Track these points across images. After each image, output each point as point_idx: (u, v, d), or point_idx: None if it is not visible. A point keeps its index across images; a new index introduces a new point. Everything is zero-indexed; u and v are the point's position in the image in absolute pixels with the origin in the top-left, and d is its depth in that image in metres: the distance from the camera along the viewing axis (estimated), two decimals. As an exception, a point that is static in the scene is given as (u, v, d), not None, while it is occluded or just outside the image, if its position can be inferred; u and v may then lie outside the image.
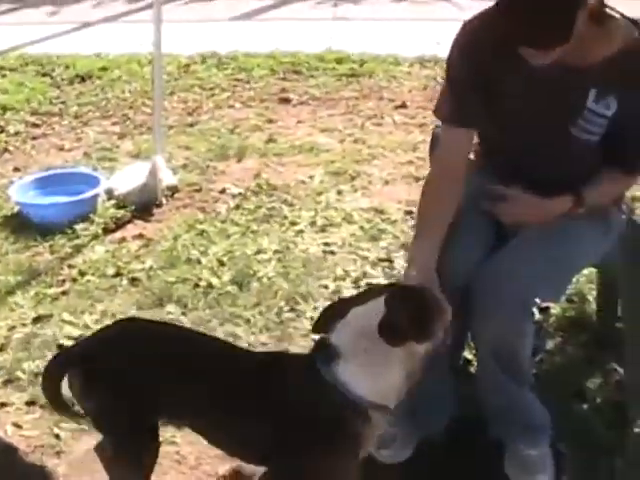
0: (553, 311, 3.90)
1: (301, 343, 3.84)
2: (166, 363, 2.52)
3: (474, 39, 2.79)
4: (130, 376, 2.52)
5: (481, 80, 2.78)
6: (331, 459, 2.41)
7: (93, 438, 3.27)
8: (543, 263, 2.81)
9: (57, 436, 3.36)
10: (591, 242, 2.95)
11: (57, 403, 2.80)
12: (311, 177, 5.56)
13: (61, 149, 6.27)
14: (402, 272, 4.11)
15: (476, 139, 3.05)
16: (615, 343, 3.56)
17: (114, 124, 6.65)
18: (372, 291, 2.58)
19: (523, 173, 2.89)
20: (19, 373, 3.71)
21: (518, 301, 2.74)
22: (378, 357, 2.36)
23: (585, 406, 3.37)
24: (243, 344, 3.82)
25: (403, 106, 6.73)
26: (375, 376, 2.37)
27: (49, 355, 3.79)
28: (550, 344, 3.74)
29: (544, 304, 3.36)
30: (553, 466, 3.04)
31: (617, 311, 3.71)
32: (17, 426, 3.44)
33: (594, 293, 3.90)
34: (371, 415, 2.40)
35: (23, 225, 4.99)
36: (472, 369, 3.52)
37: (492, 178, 2.99)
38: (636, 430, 3.21)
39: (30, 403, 3.55)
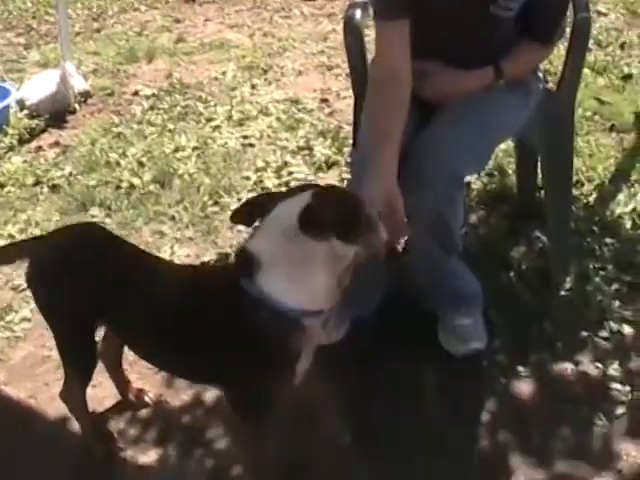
0: (474, 186, 3.97)
1: (228, 235, 3.89)
2: (105, 273, 2.46)
3: None
4: (71, 281, 2.49)
5: None
6: (269, 380, 2.27)
7: (29, 345, 3.31)
8: (466, 135, 2.83)
9: (-6, 346, 3.36)
10: (512, 110, 2.99)
11: None
12: (223, 73, 5.53)
13: (-35, 64, 6.12)
14: (321, 159, 4.21)
15: None
16: (536, 213, 3.66)
17: (18, 35, 6.52)
18: (299, 188, 2.29)
19: (441, 49, 2.87)
20: (-52, 288, 3.69)
21: (446, 175, 2.77)
22: (301, 257, 2.12)
23: (511, 274, 3.46)
24: (170, 241, 3.86)
25: (310, -3, 6.68)
26: (301, 280, 2.14)
27: (-25, 266, 3.78)
28: (473, 218, 3.81)
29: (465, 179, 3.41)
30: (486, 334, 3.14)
31: (536, 182, 3.80)
32: (-50, 339, 3.43)
33: (513, 167, 3.98)
34: (305, 324, 2.21)
35: None
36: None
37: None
38: (562, 293, 3.34)
39: (-38, 315, 3.54)
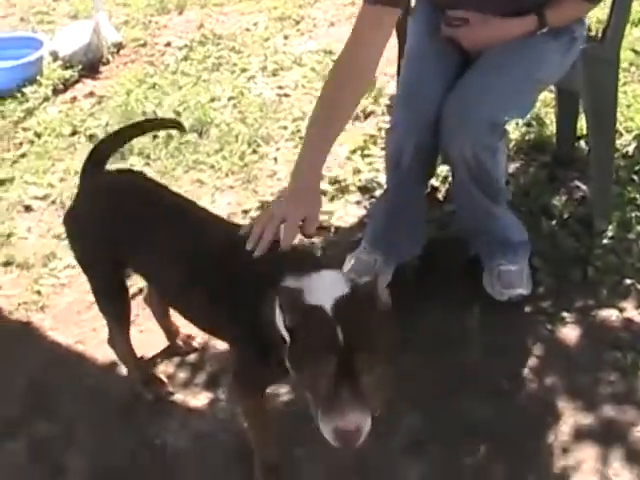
0: (512, 136, 3.95)
1: (268, 183, 3.90)
2: (145, 220, 2.45)
3: None
4: (104, 226, 2.51)
5: None
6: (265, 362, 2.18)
7: (74, 291, 3.34)
8: (507, 81, 2.83)
9: (38, 292, 3.40)
10: (555, 58, 2.96)
11: None
12: (255, 24, 5.51)
13: (-5, 16, 6.13)
14: (358, 109, 4.19)
15: None
16: (576, 162, 3.65)
17: (47, -14, 6.48)
18: None
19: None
20: (-11, 236, 3.73)
21: (486, 121, 2.77)
22: None
23: (553, 222, 3.46)
24: (210, 189, 3.87)
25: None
26: None
27: (17, 217, 3.82)
28: (513, 167, 3.80)
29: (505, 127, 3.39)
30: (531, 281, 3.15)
31: (575, 131, 3.79)
32: (-4, 287, 3.47)
33: (552, 117, 3.97)
34: None
35: (-30, 93, 4.90)
36: (440, 195, 3.60)
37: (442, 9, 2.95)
38: (604, 241, 3.34)
39: (6, 264, 3.58)
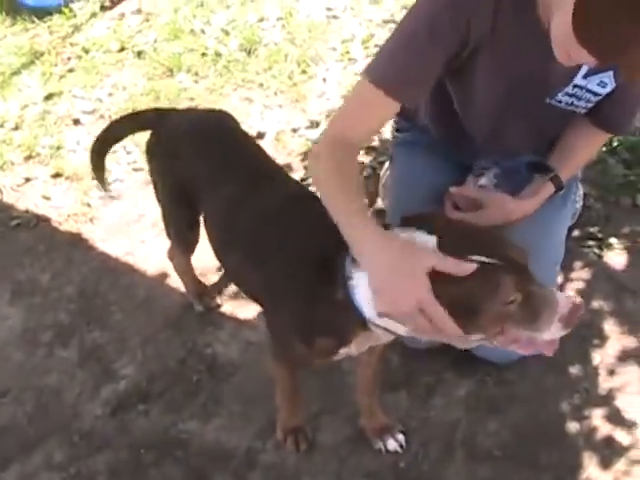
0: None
1: (316, 103, 3.88)
2: (218, 168, 2.37)
3: None
4: (185, 162, 2.45)
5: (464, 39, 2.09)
6: (305, 341, 2.10)
7: (123, 204, 3.38)
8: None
9: (88, 204, 3.42)
10: (567, 220, 2.75)
11: (98, 158, 2.77)
12: (306, -58, 5.44)
13: None
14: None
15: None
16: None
17: None
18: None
19: (487, 144, 2.49)
20: (39, 149, 3.76)
21: None
22: None
23: (604, 149, 3.42)
24: (258, 107, 3.87)
25: None
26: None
27: (65, 130, 3.84)
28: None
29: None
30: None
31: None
32: (46, 198, 3.51)
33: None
34: (371, 328, 1.93)
35: (18, 8, 4.88)
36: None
37: (450, 156, 2.62)
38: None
39: (56, 176, 3.61)
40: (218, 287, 2.97)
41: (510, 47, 2.11)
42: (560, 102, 2.29)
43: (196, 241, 2.66)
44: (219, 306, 2.92)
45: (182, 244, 2.75)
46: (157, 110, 2.77)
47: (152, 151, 2.60)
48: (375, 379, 2.45)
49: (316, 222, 2.01)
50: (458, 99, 2.38)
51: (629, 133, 2.81)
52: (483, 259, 1.71)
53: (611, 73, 2.21)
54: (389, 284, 1.74)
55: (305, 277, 1.99)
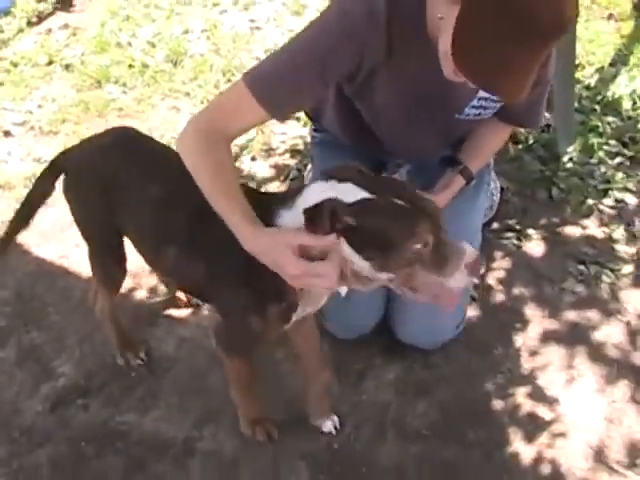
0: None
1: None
2: (133, 178, 2.39)
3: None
4: (105, 189, 2.42)
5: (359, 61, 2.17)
6: (257, 312, 2.18)
7: (56, 210, 3.40)
8: None
9: (22, 209, 3.47)
10: (481, 209, 2.88)
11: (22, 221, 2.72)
12: (227, -41, 5.56)
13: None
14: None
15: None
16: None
17: None
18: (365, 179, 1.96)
19: (399, 149, 2.64)
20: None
21: (449, 332, 2.78)
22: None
23: (520, 147, 3.61)
24: (186, 116, 3.96)
25: None
26: None
27: (-3, 140, 3.89)
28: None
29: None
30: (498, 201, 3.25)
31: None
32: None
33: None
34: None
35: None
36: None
37: (364, 155, 2.62)
38: (568, 165, 3.50)
39: (-10, 185, 3.66)
40: (144, 345, 2.89)
41: (406, 67, 2.21)
42: (468, 115, 2.41)
43: (122, 279, 2.67)
44: (142, 363, 2.84)
45: (108, 281, 2.70)
46: (62, 152, 2.67)
47: (66, 190, 2.56)
48: (321, 362, 2.56)
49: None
50: (365, 113, 2.48)
51: (540, 127, 2.94)
52: (400, 202, 1.84)
53: None
54: (273, 263, 1.95)
55: (243, 252, 2.03)
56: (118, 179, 2.40)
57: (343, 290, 2.03)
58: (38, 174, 2.67)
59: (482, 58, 1.86)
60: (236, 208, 2.03)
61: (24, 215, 2.69)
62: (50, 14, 4.99)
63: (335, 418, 2.60)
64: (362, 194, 1.86)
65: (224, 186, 2.07)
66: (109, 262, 2.63)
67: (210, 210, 2.09)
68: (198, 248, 2.24)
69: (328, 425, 2.59)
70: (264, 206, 2.05)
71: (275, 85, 2.12)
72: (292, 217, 1.96)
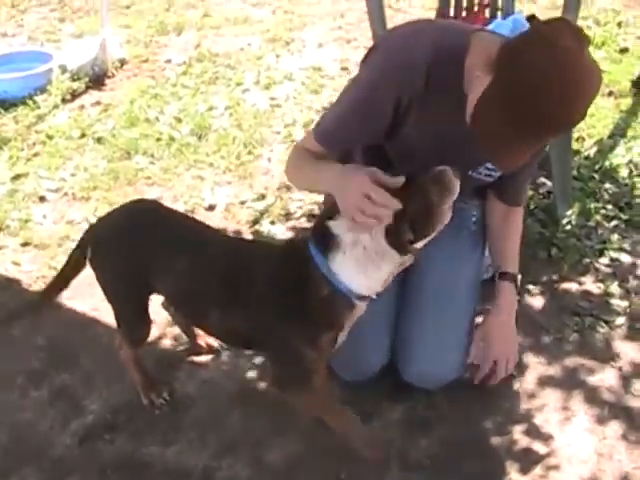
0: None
1: (262, 179, 4.27)
2: (161, 247, 2.61)
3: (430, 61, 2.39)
4: (129, 256, 2.65)
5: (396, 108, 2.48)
6: (315, 345, 2.43)
7: (87, 267, 3.65)
8: (459, 325, 2.95)
9: (55, 268, 3.71)
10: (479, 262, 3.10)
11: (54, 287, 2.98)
12: (249, 44, 5.92)
13: (4, 35, 6.50)
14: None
15: None
16: (542, 161, 4.00)
17: (52, 10, 6.89)
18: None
19: None
20: (9, 222, 4.06)
21: (453, 373, 2.95)
22: (376, 256, 2.27)
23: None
24: (209, 184, 4.23)
25: (328, -21, 7.03)
26: (368, 272, 2.30)
27: (32, 206, 4.16)
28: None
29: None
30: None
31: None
32: (16, 264, 3.80)
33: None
34: (356, 304, 2.39)
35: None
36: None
37: None
38: (566, 228, 3.73)
39: (24, 244, 3.91)
40: (167, 386, 3.08)
41: (438, 112, 2.44)
42: (480, 174, 2.69)
43: (147, 336, 2.92)
44: (164, 403, 3.02)
45: (134, 339, 2.92)
46: (88, 229, 2.92)
47: (92, 261, 2.78)
48: None
49: (275, 253, 2.52)
50: (393, 152, 2.70)
51: (522, 205, 3.10)
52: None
53: None
54: (340, 186, 2.26)
55: (291, 295, 2.35)
56: (146, 247, 2.62)
57: None
58: (72, 243, 2.98)
59: (493, 129, 2.15)
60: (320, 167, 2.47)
61: (57, 285, 2.97)
62: (83, 92, 5.31)
63: None
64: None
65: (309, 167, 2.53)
66: (134, 323, 2.87)
67: (243, 265, 2.46)
68: (240, 304, 2.46)
69: None
70: None
71: (336, 138, 2.55)
72: None
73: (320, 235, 2.32)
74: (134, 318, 2.85)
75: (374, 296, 2.40)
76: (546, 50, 2.02)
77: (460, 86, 2.36)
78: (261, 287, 2.42)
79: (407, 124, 2.51)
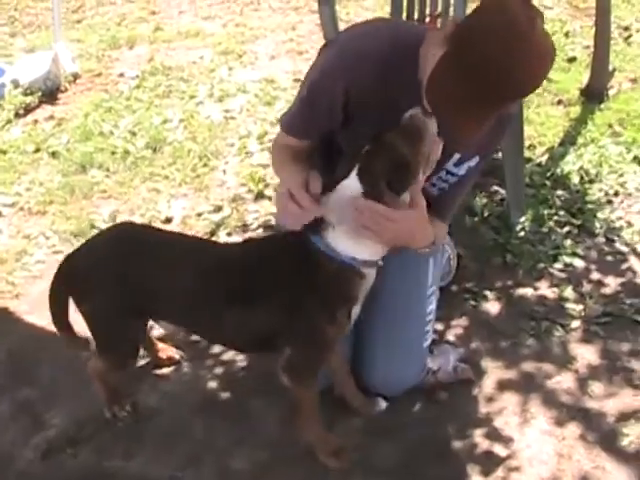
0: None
1: (217, 191, 4.29)
2: (154, 269, 2.60)
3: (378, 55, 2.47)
4: (117, 283, 2.59)
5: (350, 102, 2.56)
6: (330, 322, 2.49)
7: (45, 281, 3.64)
8: (414, 331, 2.98)
9: (12, 283, 3.72)
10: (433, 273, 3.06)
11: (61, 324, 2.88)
12: (201, 57, 5.90)
13: (-47, 51, 6.43)
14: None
15: None
16: (494, 171, 4.07)
17: (2, 25, 6.82)
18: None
19: None
20: (-35, 239, 4.04)
21: (416, 377, 3.01)
22: None
23: (476, 219, 3.90)
24: (165, 197, 4.24)
25: (278, -8, 7.07)
26: (361, 238, 2.37)
27: (-12, 221, 4.14)
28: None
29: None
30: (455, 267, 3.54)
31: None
32: (-28, 281, 3.79)
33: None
34: (364, 272, 2.46)
35: None
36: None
37: None
38: (520, 234, 3.79)
39: (-20, 261, 3.90)
40: (130, 398, 3.08)
41: (397, 100, 2.44)
42: (434, 185, 2.68)
43: (136, 361, 2.92)
44: (127, 415, 3.03)
45: (122, 366, 2.88)
46: (65, 259, 2.81)
47: (76, 294, 2.72)
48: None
49: (274, 246, 2.60)
50: (345, 142, 2.71)
51: (445, 222, 3.04)
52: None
53: (477, 158, 2.65)
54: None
55: (301, 279, 2.45)
56: (137, 274, 2.58)
57: None
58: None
59: (449, 91, 2.17)
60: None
61: (60, 323, 2.89)
62: (36, 107, 5.27)
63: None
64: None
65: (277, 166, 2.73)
66: (127, 353, 2.82)
67: (247, 266, 2.53)
68: (257, 304, 2.51)
69: (380, 404, 2.97)
70: None
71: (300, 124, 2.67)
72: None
73: (312, 221, 2.40)
74: (128, 348, 2.81)
75: (380, 262, 2.48)
76: (497, 14, 2.10)
77: (416, 75, 2.40)
78: (272, 281, 2.49)
79: (360, 116, 2.57)
